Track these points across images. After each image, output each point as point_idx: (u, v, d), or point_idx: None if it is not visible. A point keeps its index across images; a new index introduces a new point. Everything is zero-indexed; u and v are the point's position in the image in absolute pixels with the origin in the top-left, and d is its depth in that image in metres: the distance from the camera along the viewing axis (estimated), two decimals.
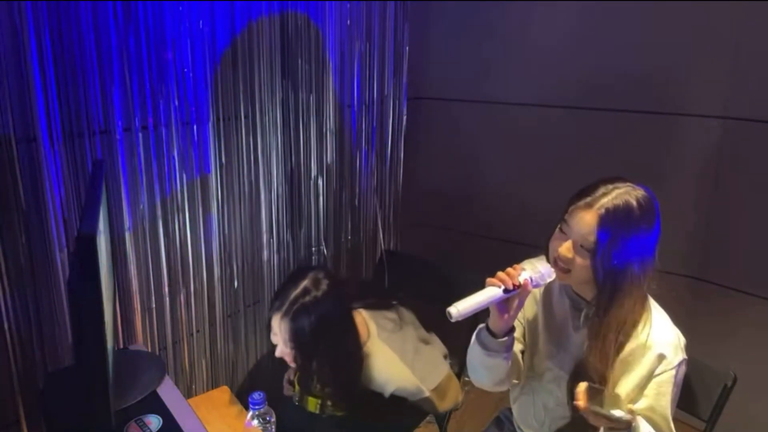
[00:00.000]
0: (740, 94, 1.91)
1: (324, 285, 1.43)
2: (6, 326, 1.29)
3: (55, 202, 1.33)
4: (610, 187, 1.12)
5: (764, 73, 1.86)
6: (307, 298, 1.40)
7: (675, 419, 1.19)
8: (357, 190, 2.23)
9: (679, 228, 2.11)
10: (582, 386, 1.07)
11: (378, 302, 1.62)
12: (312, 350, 1.43)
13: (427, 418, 1.71)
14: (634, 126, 2.10)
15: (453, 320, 1.09)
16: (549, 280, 1.15)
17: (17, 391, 1.34)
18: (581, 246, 1.11)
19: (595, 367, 1.15)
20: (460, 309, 1.09)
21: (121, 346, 1.56)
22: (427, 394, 1.50)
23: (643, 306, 1.17)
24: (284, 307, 1.40)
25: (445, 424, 1.74)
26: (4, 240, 1.26)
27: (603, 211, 1.09)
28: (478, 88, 2.38)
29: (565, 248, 1.13)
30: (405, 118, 2.35)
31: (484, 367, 1.25)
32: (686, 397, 1.38)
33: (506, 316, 1.15)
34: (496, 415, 1.57)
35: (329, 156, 2.05)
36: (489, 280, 1.13)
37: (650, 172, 2.09)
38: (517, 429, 1.44)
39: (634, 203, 1.10)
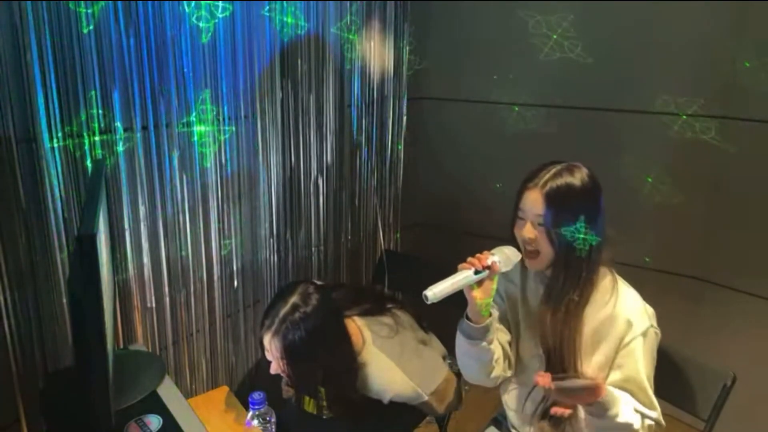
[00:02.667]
0: (740, 94, 1.91)
1: (314, 299, 1.41)
2: (6, 326, 1.29)
3: (55, 202, 1.33)
4: (550, 167, 1.23)
5: (764, 73, 1.86)
6: (297, 315, 1.37)
7: (674, 418, 1.19)
8: (357, 190, 2.23)
9: (679, 228, 2.11)
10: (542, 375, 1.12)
11: (373, 307, 1.60)
12: (306, 366, 1.42)
13: (427, 418, 1.71)
14: (634, 126, 2.10)
15: (429, 302, 1.15)
16: (516, 260, 1.23)
17: (17, 391, 1.34)
18: (538, 224, 1.20)
19: (551, 330, 1.23)
20: (435, 291, 1.15)
21: (121, 346, 1.56)
22: (426, 398, 1.50)
23: (596, 276, 1.24)
24: (274, 326, 1.38)
25: (445, 424, 1.74)
26: (4, 240, 1.26)
27: (547, 187, 1.19)
28: (478, 88, 2.38)
29: (527, 230, 1.22)
30: (405, 118, 2.35)
31: (470, 358, 1.31)
32: (686, 396, 1.38)
33: (479, 298, 1.21)
34: (493, 416, 1.58)
35: (329, 156, 2.05)
36: (460, 265, 1.21)
37: (649, 171, 2.10)
38: (511, 429, 1.45)
39: (574, 177, 1.20)
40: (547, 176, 1.21)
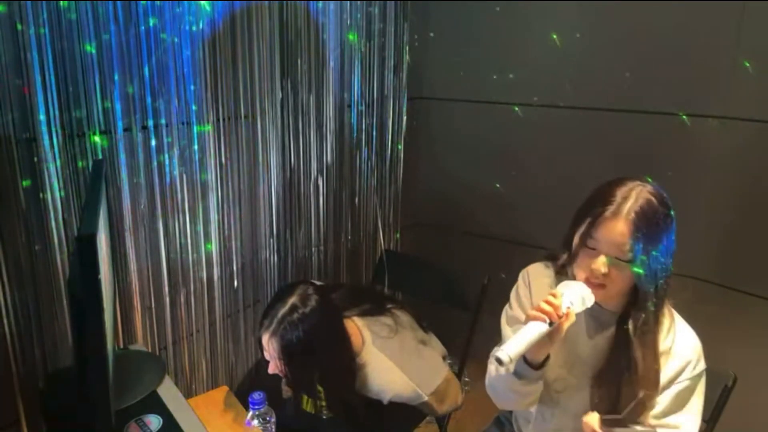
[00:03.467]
0: (740, 94, 1.91)
1: (312, 301, 1.40)
2: (6, 326, 1.29)
3: (55, 202, 1.33)
4: (626, 189, 1.09)
5: (764, 73, 1.86)
6: (295, 316, 1.37)
7: None
8: (357, 190, 2.23)
9: (679, 228, 2.11)
10: (594, 418, 1.05)
11: (373, 308, 1.60)
12: (304, 367, 1.42)
13: (427, 418, 1.71)
14: (634, 126, 2.10)
15: (503, 365, 1.03)
16: (590, 304, 1.10)
17: (17, 391, 1.34)
18: (616, 258, 1.07)
19: (644, 378, 1.13)
20: (510, 354, 1.01)
21: (121, 346, 1.56)
22: (425, 398, 1.50)
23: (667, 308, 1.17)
24: (272, 326, 1.38)
25: (445, 424, 1.74)
26: (4, 240, 1.26)
27: (633, 215, 1.05)
28: (478, 88, 2.38)
29: (600, 263, 1.08)
30: (405, 118, 2.35)
31: (515, 393, 1.19)
32: None
33: (549, 347, 1.10)
34: (496, 416, 1.57)
35: (329, 156, 2.05)
36: (531, 314, 1.06)
37: (650, 172, 2.09)
38: (516, 430, 1.44)
39: (655, 200, 1.08)
40: (629, 204, 1.07)
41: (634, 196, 1.08)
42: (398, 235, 2.50)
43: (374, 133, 2.23)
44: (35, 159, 1.28)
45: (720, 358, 1.38)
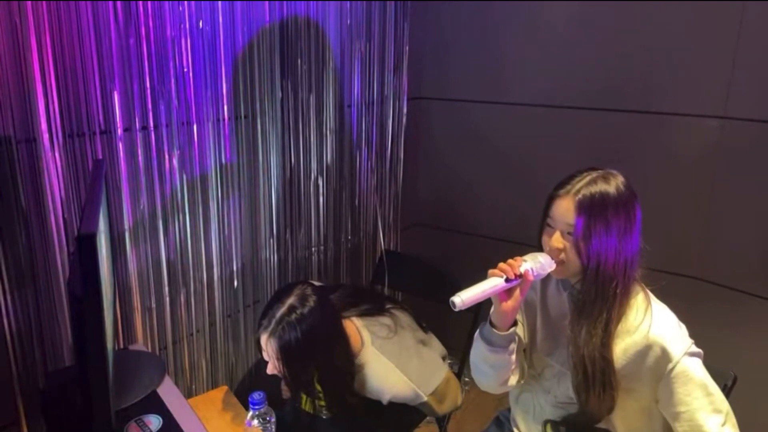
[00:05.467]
0: (740, 94, 1.91)
1: (311, 301, 1.40)
2: (6, 326, 1.29)
3: (55, 202, 1.33)
4: (584, 174, 1.17)
5: (764, 73, 1.86)
6: (293, 316, 1.37)
7: None
8: (357, 190, 2.23)
9: (679, 228, 2.11)
10: None
11: (372, 308, 1.60)
12: (302, 367, 1.42)
13: (427, 418, 1.71)
14: (633, 126, 2.10)
15: (456, 309, 1.10)
16: (549, 270, 1.17)
17: (17, 391, 1.34)
18: (568, 233, 1.15)
19: (586, 349, 1.16)
20: (464, 298, 1.10)
21: (121, 346, 1.56)
22: (425, 398, 1.50)
23: (630, 291, 1.19)
24: (270, 327, 1.38)
25: (445, 424, 1.74)
26: (4, 240, 1.26)
27: (580, 195, 1.13)
28: (478, 88, 2.38)
29: (555, 239, 1.16)
30: (405, 118, 2.36)
31: (489, 365, 1.26)
32: None
33: (509, 306, 1.16)
34: (495, 416, 1.58)
35: (329, 156, 2.05)
36: (491, 271, 1.15)
37: (650, 171, 2.09)
38: (514, 429, 1.45)
39: (609, 185, 1.15)
40: (581, 184, 1.15)
41: (587, 180, 1.15)
42: (398, 235, 2.50)
43: (374, 133, 2.23)
44: (35, 159, 1.28)
45: (719, 357, 1.38)
